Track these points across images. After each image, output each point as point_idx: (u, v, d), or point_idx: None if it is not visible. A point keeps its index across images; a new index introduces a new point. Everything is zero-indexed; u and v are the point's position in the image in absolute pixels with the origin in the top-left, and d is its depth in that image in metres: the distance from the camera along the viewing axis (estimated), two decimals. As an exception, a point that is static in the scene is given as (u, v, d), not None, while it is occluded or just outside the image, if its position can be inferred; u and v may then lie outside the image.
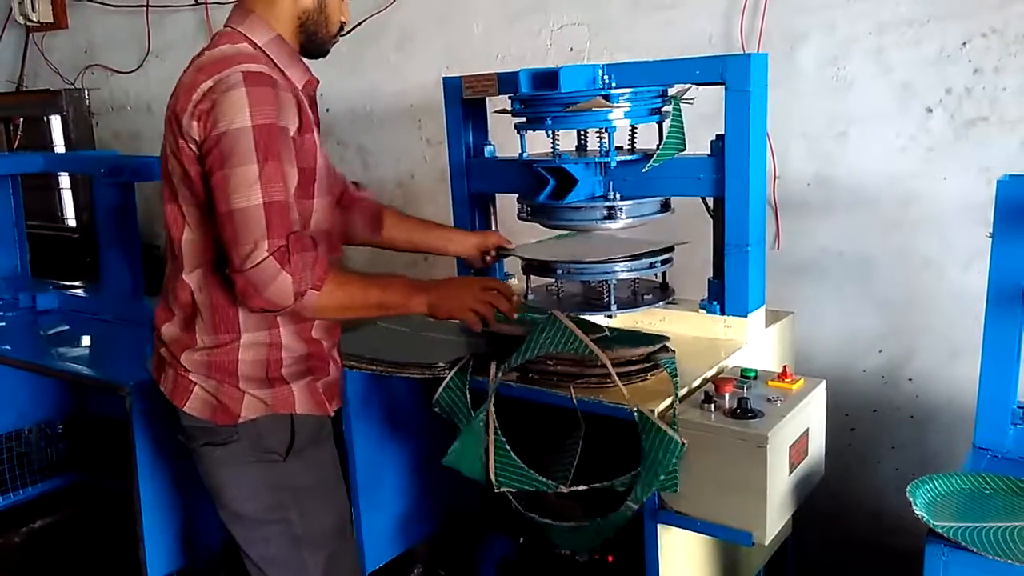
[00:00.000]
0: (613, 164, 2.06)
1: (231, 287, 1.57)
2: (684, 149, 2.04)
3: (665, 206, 2.15)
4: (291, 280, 1.51)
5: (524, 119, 2.13)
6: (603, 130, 2.05)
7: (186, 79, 1.59)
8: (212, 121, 1.51)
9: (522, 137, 2.14)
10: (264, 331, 1.68)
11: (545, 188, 2.08)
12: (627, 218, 2.09)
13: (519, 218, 2.27)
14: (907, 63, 2.31)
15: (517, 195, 2.28)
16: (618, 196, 2.09)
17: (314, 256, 1.57)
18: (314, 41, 1.74)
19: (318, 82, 1.78)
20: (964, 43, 2.24)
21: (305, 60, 1.78)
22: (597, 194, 2.11)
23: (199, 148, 1.55)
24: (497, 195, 2.47)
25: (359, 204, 2.11)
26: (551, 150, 2.15)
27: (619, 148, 2.12)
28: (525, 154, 2.16)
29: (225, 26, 1.70)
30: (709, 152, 2.00)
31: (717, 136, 1.98)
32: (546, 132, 2.11)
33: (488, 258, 2.22)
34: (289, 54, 1.70)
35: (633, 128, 2.13)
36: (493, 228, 2.46)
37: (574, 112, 2.00)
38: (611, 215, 2.08)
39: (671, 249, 2.16)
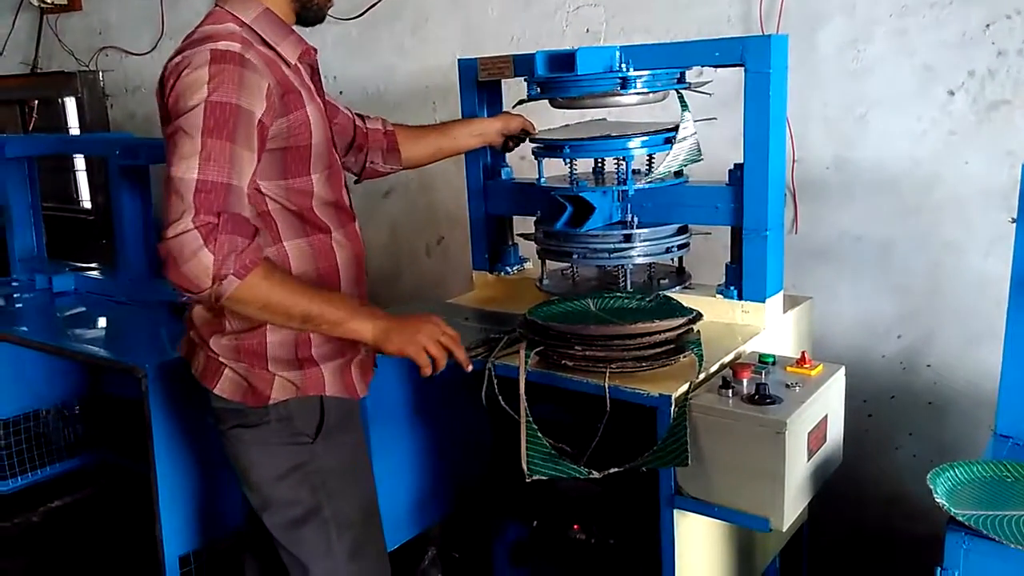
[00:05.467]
0: (631, 192, 2.07)
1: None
2: (701, 159, 2.06)
3: (682, 231, 2.15)
4: (212, 260, 1.41)
5: (542, 146, 2.15)
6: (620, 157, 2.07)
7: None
8: (174, 96, 1.50)
9: (540, 163, 2.15)
10: None
11: (563, 213, 2.08)
12: (643, 242, 2.10)
13: (536, 241, 2.26)
14: (929, 45, 2.28)
15: (535, 219, 2.28)
16: (636, 222, 2.10)
17: (247, 243, 1.46)
18: (309, 8, 1.70)
19: (316, 51, 1.72)
20: (987, 25, 2.20)
21: (303, 29, 1.73)
22: (615, 219, 2.12)
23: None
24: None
25: (372, 138, 2.12)
26: (568, 175, 2.17)
27: (636, 172, 2.12)
28: (543, 179, 2.16)
29: (215, 5, 1.67)
30: (727, 180, 2.00)
31: (736, 165, 1.97)
32: (564, 160, 2.13)
33: (511, 143, 2.23)
34: (279, 28, 1.65)
35: (651, 155, 2.13)
36: (510, 243, 2.47)
37: (591, 140, 2.04)
38: (628, 241, 2.10)
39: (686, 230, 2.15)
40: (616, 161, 2.11)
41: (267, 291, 1.49)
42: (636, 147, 2.04)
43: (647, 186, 2.07)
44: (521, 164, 2.63)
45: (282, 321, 1.57)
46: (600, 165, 2.27)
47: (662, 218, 2.10)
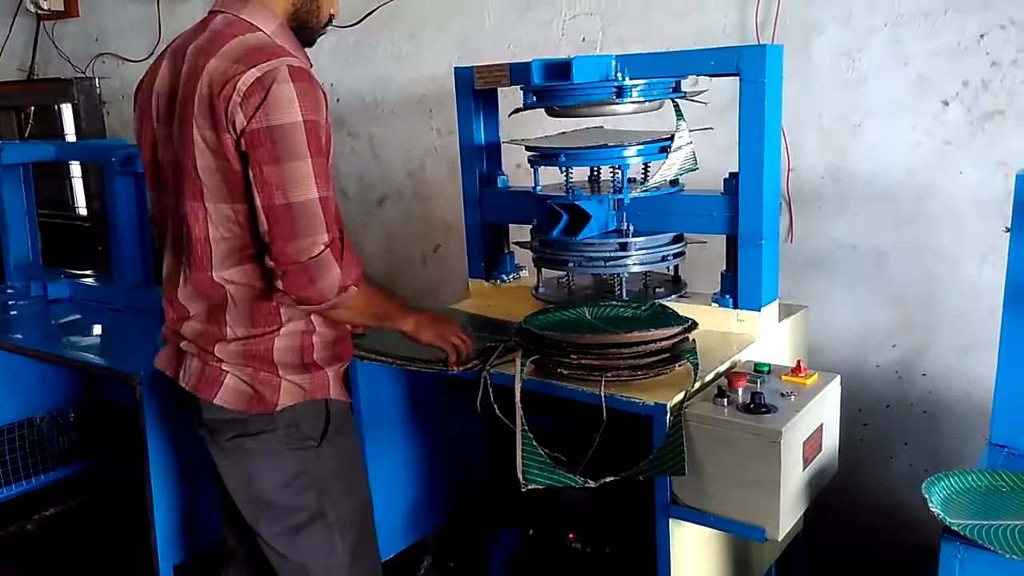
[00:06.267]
0: (627, 201, 2.07)
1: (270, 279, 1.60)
2: (696, 169, 2.06)
3: (678, 240, 2.16)
4: (339, 274, 1.56)
5: (537, 154, 2.15)
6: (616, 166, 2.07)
7: (214, 68, 1.53)
8: (263, 114, 1.49)
9: (536, 171, 2.15)
10: (302, 320, 1.68)
11: (558, 221, 2.08)
12: (639, 250, 2.11)
13: (531, 249, 2.27)
14: (923, 55, 2.29)
15: (531, 227, 2.28)
16: (631, 230, 2.10)
17: (356, 254, 1.63)
18: (303, 31, 1.71)
19: (311, 66, 1.74)
20: (982, 35, 2.21)
21: None
22: (611, 228, 2.12)
23: (238, 138, 1.52)
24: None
25: None
26: (564, 183, 2.17)
27: (632, 181, 2.12)
28: (539, 188, 2.17)
29: (219, 11, 1.65)
30: (723, 189, 2.00)
31: (731, 174, 1.98)
32: (560, 168, 2.13)
33: None
34: (293, 42, 1.67)
35: (646, 163, 2.13)
36: (506, 251, 2.47)
37: (587, 149, 2.04)
38: (624, 250, 2.10)
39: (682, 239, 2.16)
40: (612, 170, 2.12)
41: (368, 297, 1.68)
42: (632, 156, 2.05)
43: (642, 195, 2.07)
44: (517, 172, 2.64)
45: (365, 321, 1.77)
46: (596, 173, 2.28)
47: (657, 227, 2.11)
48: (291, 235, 1.52)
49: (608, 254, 2.10)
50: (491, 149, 2.40)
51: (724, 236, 2.05)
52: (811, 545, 2.33)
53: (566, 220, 2.07)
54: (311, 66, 1.70)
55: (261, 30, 1.62)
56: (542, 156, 2.15)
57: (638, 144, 2.05)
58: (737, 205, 1.97)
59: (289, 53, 1.57)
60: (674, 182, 2.12)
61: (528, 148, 2.18)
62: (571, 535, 2.18)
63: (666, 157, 2.04)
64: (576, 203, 2.06)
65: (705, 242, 2.18)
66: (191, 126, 1.56)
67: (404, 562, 2.41)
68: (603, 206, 2.09)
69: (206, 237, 1.62)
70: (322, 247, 1.54)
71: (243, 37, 1.58)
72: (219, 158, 1.55)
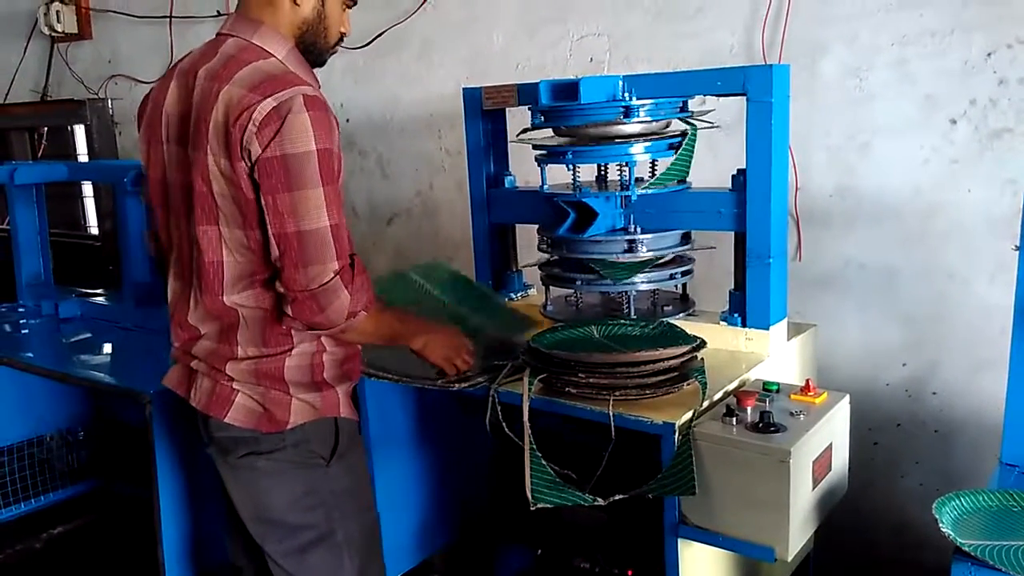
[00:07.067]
0: (634, 198, 2.07)
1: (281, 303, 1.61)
2: (685, 177, 2.07)
3: (686, 238, 2.15)
4: (349, 300, 1.58)
5: (545, 152, 2.14)
6: (623, 163, 2.06)
7: (229, 96, 1.54)
8: (277, 143, 1.50)
9: (543, 170, 2.16)
10: (313, 340, 1.69)
11: (566, 220, 2.08)
12: (648, 251, 2.10)
13: (539, 249, 2.27)
14: (931, 74, 2.29)
15: (537, 227, 2.28)
16: (639, 229, 2.10)
17: (367, 280, 1.64)
18: (312, 51, 1.72)
19: (320, 86, 1.76)
20: (989, 54, 2.22)
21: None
22: (618, 226, 2.12)
23: (252, 167, 1.53)
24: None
25: None
26: (571, 182, 2.16)
27: (639, 180, 2.12)
28: (546, 186, 2.17)
29: (230, 35, 1.66)
30: (731, 186, 2.00)
31: (739, 171, 1.98)
32: (567, 166, 2.13)
33: None
34: (304, 66, 1.68)
35: (654, 161, 2.12)
36: (513, 258, 2.47)
37: (594, 146, 2.03)
38: (631, 248, 2.09)
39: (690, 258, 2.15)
40: (619, 167, 2.11)
41: (377, 321, 1.69)
42: (639, 152, 2.03)
43: (650, 191, 2.06)
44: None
45: (375, 342, 1.78)
46: (603, 172, 2.27)
47: (665, 224, 2.10)
48: (302, 263, 1.55)
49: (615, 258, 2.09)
50: (498, 154, 2.41)
51: (732, 254, 2.05)
52: (821, 565, 2.31)
53: (573, 218, 2.07)
54: (319, 86, 1.72)
55: (273, 55, 1.62)
56: (549, 155, 2.14)
57: (645, 141, 2.03)
58: (745, 201, 1.96)
59: (303, 80, 1.58)
60: (681, 180, 2.10)
61: (535, 147, 2.17)
62: (579, 556, 2.17)
63: (674, 155, 2.04)
64: (583, 200, 2.05)
65: (714, 247, 2.17)
66: (205, 152, 1.57)
67: (412, 582, 2.40)
68: (610, 203, 2.09)
69: (219, 261, 1.62)
70: (332, 275, 1.56)
71: (257, 64, 1.58)
72: (232, 186, 1.56)
